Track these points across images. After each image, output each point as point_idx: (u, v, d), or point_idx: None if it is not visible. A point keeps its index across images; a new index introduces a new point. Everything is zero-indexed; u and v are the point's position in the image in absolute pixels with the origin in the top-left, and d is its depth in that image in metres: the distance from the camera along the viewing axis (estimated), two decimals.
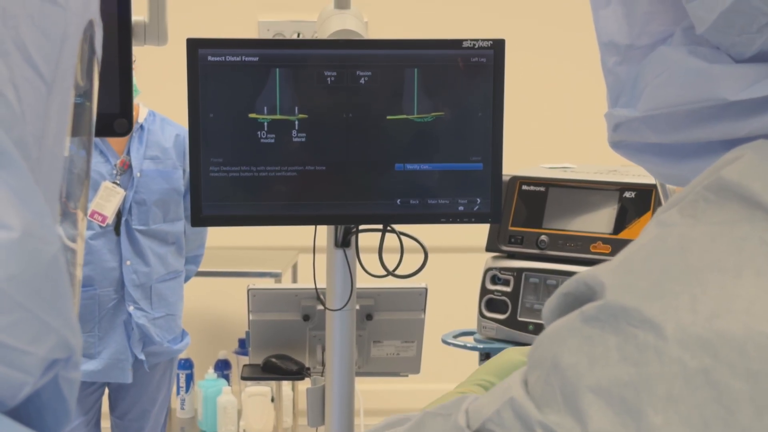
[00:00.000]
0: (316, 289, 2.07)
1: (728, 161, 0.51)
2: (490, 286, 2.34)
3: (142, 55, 3.10)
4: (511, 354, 1.10)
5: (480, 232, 2.38)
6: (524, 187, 2.37)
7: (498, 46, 1.83)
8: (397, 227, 1.95)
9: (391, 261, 1.95)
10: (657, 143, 0.63)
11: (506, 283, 2.32)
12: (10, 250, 0.39)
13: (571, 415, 0.47)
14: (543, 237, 2.31)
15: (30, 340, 0.40)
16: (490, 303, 2.35)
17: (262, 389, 4.23)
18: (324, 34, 1.91)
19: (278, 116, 1.81)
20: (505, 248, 2.36)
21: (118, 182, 3.20)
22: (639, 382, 0.46)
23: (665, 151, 0.63)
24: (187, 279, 3.51)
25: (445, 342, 2.44)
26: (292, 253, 4.38)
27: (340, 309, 2.01)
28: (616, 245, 2.24)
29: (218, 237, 3.73)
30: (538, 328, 2.26)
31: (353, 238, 2.00)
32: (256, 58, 1.79)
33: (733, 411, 0.44)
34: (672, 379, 0.45)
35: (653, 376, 0.45)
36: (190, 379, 4.43)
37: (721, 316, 0.46)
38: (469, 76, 1.84)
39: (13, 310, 0.39)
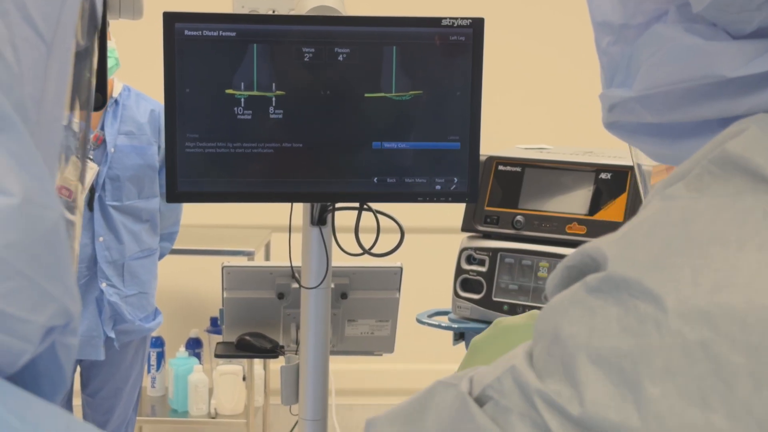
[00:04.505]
0: (291, 267, 2.06)
1: (732, 134, 0.51)
2: (465, 266, 2.34)
3: (117, 29, 3.06)
4: (506, 323, 1.09)
5: (456, 212, 2.38)
6: (500, 168, 2.37)
7: (477, 24, 1.82)
8: (374, 206, 1.94)
9: (366, 241, 1.94)
10: (653, 123, 0.62)
11: (481, 263, 2.32)
12: (9, 216, 0.38)
13: (569, 384, 0.47)
14: (519, 217, 2.31)
15: (30, 307, 0.39)
16: (465, 283, 2.35)
17: (233, 368, 4.22)
18: (302, 10, 1.89)
19: (255, 92, 1.79)
20: (480, 228, 2.36)
21: (91, 157, 3.17)
22: (638, 354, 0.45)
23: (661, 131, 0.62)
24: (161, 256, 3.49)
25: (419, 321, 2.44)
26: (265, 232, 4.36)
27: (315, 287, 2.01)
28: (592, 226, 2.25)
29: (190, 215, 3.71)
30: (512, 308, 2.27)
31: (329, 216, 1.99)
32: (234, 33, 1.78)
33: (732, 385, 0.43)
34: (670, 351, 0.45)
35: (652, 348, 0.45)
36: (161, 357, 4.41)
37: (722, 289, 0.45)
38: (448, 54, 1.83)
39: (12, 278, 0.38)
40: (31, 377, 0.42)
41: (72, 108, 0.48)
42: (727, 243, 0.47)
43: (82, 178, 0.51)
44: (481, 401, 0.51)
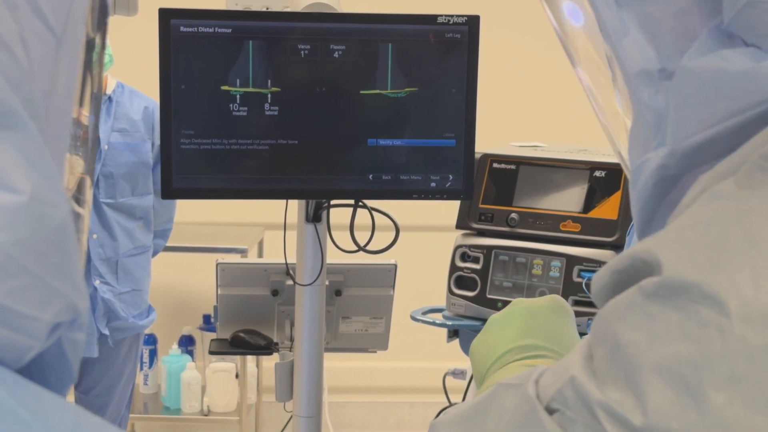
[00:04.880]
0: (286, 263, 2.06)
1: None
2: (459, 264, 2.34)
3: (111, 26, 3.06)
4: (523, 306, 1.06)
5: (450, 210, 2.38)
6: (495, 165, 2.37)
7: (473, 22, 1.83)
8: (369, 203, 1.94)
9: (360, 238, 1.94)
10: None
11: (476, 260, 2.32)
12: (18, 214, 0.38)
13: (632, 393, 0.45)
14: (513, 215, 2.31)
15: (36, 305, 0.39)
16: (459, 280, 2.35)
17: (226, 365, 4.21)
18: (297, 7, 1.89)
19: (251, 89, 1.79)
20: (475, 226, 2.36)
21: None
22: (700, 361, 0.44)
23: None
24: (155, 253, 3.48)
25: (413, 318, 2.44)
26: (259, 230, 4.36)
27: (309, 284, 2.01)
28: (586, 224, 2.25)
29: (183, 212, 3.71)
30: (506, 306, 2.27)
31: (324, 213, 1.99)
32: (229, 30, 1.78)
33: None
34: (735, 357, 0.43)
35: (715, 355, 0.43)
36: (153, 354, 4.40)
37: None
38: (443, 52, 1.84)
39: (19, 275, 0.39)
40: (38, 371, 0.42)
41: (81, 101, 0.48)
42: None
43: (90, 170, 0.51)
44: (547, 411, 0.50)
